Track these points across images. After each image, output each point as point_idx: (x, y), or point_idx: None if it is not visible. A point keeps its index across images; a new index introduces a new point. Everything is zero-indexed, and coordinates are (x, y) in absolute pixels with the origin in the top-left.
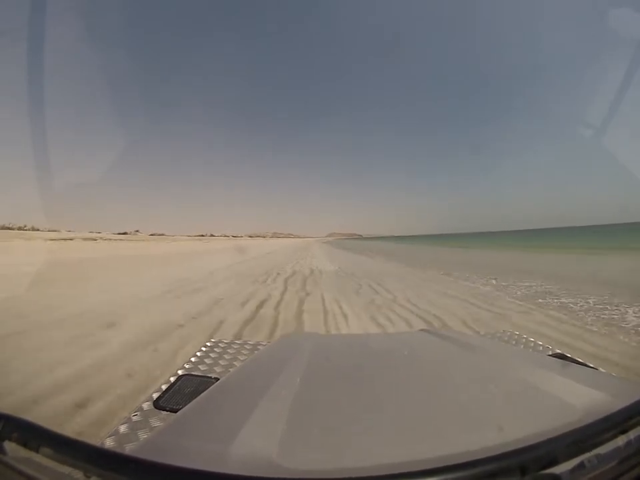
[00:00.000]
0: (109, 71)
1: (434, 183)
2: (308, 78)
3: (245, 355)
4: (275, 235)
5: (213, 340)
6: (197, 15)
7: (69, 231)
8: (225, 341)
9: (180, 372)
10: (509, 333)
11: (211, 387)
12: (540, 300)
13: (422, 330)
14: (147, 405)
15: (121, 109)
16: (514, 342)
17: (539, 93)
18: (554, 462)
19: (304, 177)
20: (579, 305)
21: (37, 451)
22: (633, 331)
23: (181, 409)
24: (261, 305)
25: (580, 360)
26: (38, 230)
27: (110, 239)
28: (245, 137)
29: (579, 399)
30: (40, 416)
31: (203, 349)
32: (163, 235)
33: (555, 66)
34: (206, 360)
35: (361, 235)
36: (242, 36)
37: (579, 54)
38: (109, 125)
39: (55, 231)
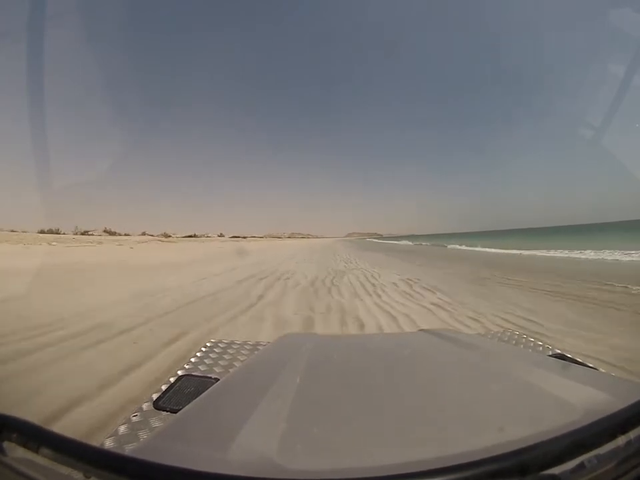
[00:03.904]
0: (110, 70)
1: (460, 180)
2: (325, 74)
3: (244, 355)
4: (293, 235)
5: (212, 340)
6: (197, 15)
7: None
8: (225, 341)
9: (180, 372)
10: (508, 333)
11: (210, 388)
12: None
13: (422, 330)
14: (146, 406)
15: (123, 110)
16: (514, 342)
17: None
18: (554, 462)
19: (323, 176)
20: None
21: (37, 452)
22: None
23: (180, 409)
24: None
25: (580, 360)
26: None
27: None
28: (262, 137)
29: (579, 399)
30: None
31: (203, 349)
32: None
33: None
34: (206, 360)
35: (381, 235)
36: (247, 35)
37: (579, 54)
38: (110, 125)
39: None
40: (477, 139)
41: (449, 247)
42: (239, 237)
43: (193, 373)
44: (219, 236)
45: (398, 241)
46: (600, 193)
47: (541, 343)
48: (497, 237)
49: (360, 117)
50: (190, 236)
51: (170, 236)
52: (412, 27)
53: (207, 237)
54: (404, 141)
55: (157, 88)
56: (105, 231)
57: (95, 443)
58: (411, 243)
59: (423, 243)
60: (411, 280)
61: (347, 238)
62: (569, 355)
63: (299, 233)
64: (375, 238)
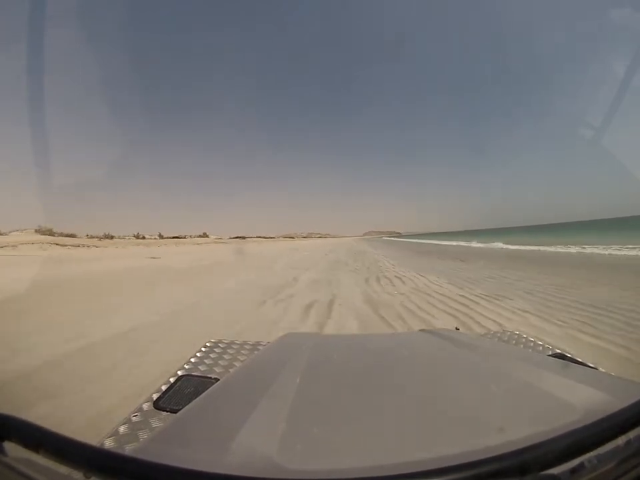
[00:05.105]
0: (110, 72)
1: (477, 178)
2: (340, 74)
3: (244, 355)
4: (310, 235)
5: (212, 340)
6: (199, 15)
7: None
8: (225, 341)
9: (180, 372)
10: (508, 333)
11: (210, 387)
12: None
13: (422, 330)
14: (146, 406)
15: (122, 110)
16: (514, 342)
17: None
18: (554, 462)
19: (339, 176)
20: None
21: (37, 451)
22: None
23: (180, 409)
24: None
25: (580, 360)
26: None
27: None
28: (276, 137)
29: (579, 399)
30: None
31: (203, 349)
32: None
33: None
34: (206, 360)
35: (400, 233)
36: (253, 35)
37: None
38: (110, 126)
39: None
40: (494, 136)
41: (494, 245)
42: (239, 237)
43: (193, 373)
44: (201, 236)
45: (448, 240)
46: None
47: (540, 343)
48: (525, 233)
49: (371, 117)
50: (175, 237)
51: (112, 238)
52: (432, 22)
53: (195, 237)
54: (419, 140)
55: (159, 88)
56: (37, 231)
57: (94, 442)
58: (482, 245)
59: (474, 244)
60: None
61: (366, 237)
62: (568, 355)
63: (317, 233)
64: (394, 237)
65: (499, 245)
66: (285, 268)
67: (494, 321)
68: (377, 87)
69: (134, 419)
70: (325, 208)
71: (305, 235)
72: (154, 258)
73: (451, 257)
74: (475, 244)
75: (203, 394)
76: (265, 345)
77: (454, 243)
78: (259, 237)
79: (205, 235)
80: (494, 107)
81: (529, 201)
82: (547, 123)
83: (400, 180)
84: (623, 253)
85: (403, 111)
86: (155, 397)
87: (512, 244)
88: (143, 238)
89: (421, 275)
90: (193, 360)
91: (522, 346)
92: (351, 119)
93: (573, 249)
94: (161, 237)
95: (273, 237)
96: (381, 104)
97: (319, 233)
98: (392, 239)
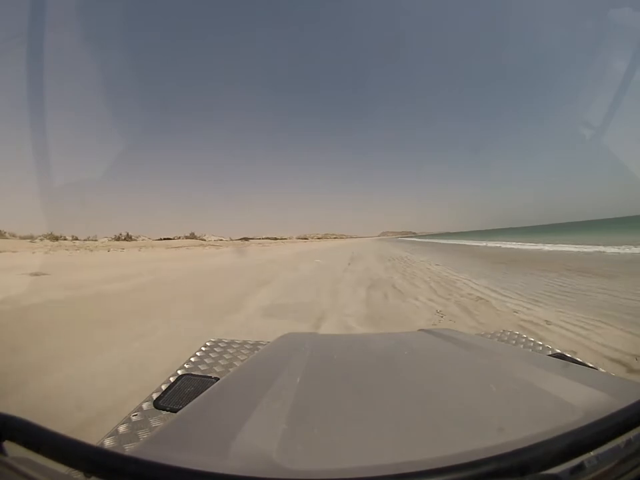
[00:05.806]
0: (110, 71)
1: (495, 176)
2: (351, 72)
3: (244, 354)
4: (326, 236)
5: (212, 339)
6: (200, 15)
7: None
8: (225, 341)
9: (180, 372)
10: (508, 333)
11: (210, 387)
12: None
13: (421, 330)
14: (146, 405)
15: (124, 112)
16: (514, 342)
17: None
18: (554, 462)
19: (356, 174)
20: None
21: (37, 451)
22: None
23: (180, 408)
24: None
25: (580, 360)
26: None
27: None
28: (290, 137)
29: (579, 399)
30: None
31: (203, 348)
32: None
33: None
34: (206, 360)
35: (415, 233)
36: (253, 35)
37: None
38: (111, 127)
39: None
40: (510, 132)
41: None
42: (243, 238)
43: (193, 372)
44: (188, 238)
45: (485, 241)
46: None
47: (540, 343)
48: (560, 232)
49: (383, 115)
50: (166, 238)
51: (57, 239)
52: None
53: (182, 239)
54: (433, 139)
55: (160, 89)
56: None
57: (94, 442)
58: (553, 248)
59: (564, 247)
60: None
61: (382, 237)
62: (568, 355)
63: (332, 234)
64: (409, 237)
65: (579, 248)
66: (264, 316)
67: None
68: (383, 86)
69: (134, 418)
70: (340, 208)
71: (320, 236)
72: (36, 275)
73: (581, 269)
74: (565, 247)
75: (203, 393)
76: (265, 345)
77: (507, 245)
78: (267, 238)
79: (192, 237)
80: (494, 105)
81: (549, 200)
82: (548, 124)
83: (414, 179)
84: None
85: (412, 110)
86: (154, 396)
87: (579, 244)
88: (125, 240)
89: None
90: (192, 359)
91: (522, 346)
92: (367, 120)
93: None
94: (129, 238)
95: (286, 238)
96: (389, 104)
97: (334, 234)
98: (412, 239)
